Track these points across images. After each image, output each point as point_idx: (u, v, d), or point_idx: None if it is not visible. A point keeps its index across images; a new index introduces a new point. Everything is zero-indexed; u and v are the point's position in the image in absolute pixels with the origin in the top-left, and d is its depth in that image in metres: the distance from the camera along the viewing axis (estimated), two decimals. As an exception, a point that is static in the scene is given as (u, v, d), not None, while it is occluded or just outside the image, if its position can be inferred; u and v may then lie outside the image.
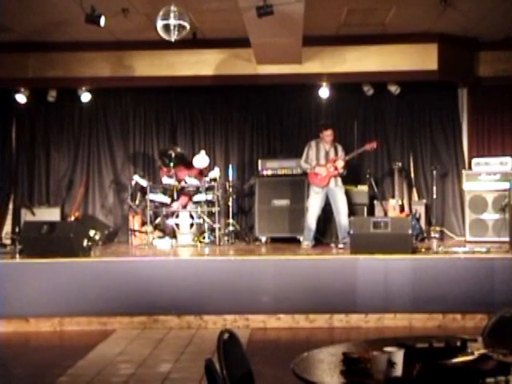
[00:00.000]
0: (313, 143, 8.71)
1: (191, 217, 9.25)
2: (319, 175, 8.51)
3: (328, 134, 8.62)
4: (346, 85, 9.57)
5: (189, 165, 9.51)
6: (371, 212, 9.39)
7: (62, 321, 7.04)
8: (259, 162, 9.68)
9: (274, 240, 9.35)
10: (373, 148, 8.88)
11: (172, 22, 6.50)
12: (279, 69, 9.18)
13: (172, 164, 9.19)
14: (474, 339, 2.84)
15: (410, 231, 7.29)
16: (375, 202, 9.52)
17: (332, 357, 2.75)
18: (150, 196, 9.03)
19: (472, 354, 2.56)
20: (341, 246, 8.32)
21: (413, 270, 7.04)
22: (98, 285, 7.06)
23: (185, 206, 9.30)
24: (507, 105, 9.89)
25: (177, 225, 9.23)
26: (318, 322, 6.95)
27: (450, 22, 8.44)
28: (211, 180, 9.15)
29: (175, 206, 9.23)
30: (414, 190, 10.05)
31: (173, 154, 9.23)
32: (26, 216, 9.62)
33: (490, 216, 9.07)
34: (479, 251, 7.43)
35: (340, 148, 8.74)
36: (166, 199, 9.28)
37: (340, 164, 8.52)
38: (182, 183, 9.25)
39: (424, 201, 9.72)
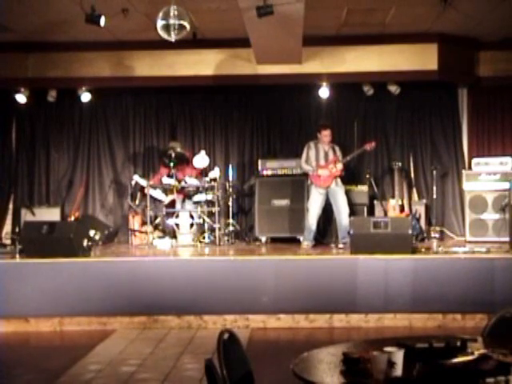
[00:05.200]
0: (312, 144, 8.72)
1: (191, 217, 9.25)
2: (322, 176, 8.51)
3: (326, 134, 8.64)
4: (346, 85, 9.57)
5: (189, 165, 9.52)
6: (371, 212, 9.40)
7: (62, 321, 7.04)
8: (259, 162, 9.68)
9: (274, 240, 9.35)
10: (372, 148, 8.90)
11: (172, 21, 6.50)
12: (279, 69, 9.18)
13: (172, 164, 9.20)
14: (474, 339, 2.84)
15: (409, 231, 7.29)
16: (375, 202, 9.52)
17: (332, 357, 2.75)
18: (150, 191, 9.03)
19: (472, 354, 2.56)
20: (341, 246, 8.33)
21: (413, 269, 7.04)
22: (98, 285, 7.06)
23: (183, 201, 9.31)
24: (507, 105, 9.90)
25: (177, 225, 9.23)
26: (318, 321, 6.95)
27: (450, 22, 8.44)
28: (211, 180, 9.15)
29: (167, 199, 9.23)
30: (414, 190, 10.05)
31: (173, 154, 9.23)
32: (26, 216, 9.62)
33: (490, 216, 9.07)
34: (479, 251, 7.43)
35: (337, 148, 8.78)
36: (164, 197, 9.27)
37: (340, 166, 8.56)
38: (182, 183, 9.25)
39: (424, 201, 9.72)
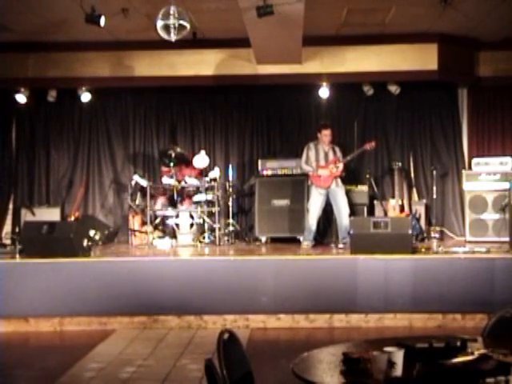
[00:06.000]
0: (311, 145, 8.71)
1: (191, 217, 9.25)
2: (322, 176, 8.51)
3: (326, 134, 8.64)
4: (346, 85, 9.57)
5: (189, 165, 9.53)
6: (371, 212, 9.39)
7: (62, 321, 7.04)
8: (259, 162, 9.68)
9: (274, 240, 9.35)
10: (372, 148, 8.89)
11: (172, 21, 6.50)
12: (279, 69, 9.18)
13: (172, 164, 9.20)
14: (474, 339, 2.84)
15: (409, 231, 7.29)
16: (375, 202, 9.52)
17: (332, 357, 2.75)
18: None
19: (472, 354, 2.56)
20: (341, 246, 8.33)
21: (413, 269, 7.04)
22: (97, 285, 7.06)
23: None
24: (507, 105, 9.90)
25: (177, 225, 9.23)
26: (318, 321, 6.95)
27: (450, 22, 8.44)
28: (211, 180, 9.16)
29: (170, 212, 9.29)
30: (414, 190, 10.05)
31: (173, 154, 9.24)
32: (26, 216, 9.62)
33: (490, 216, 9.07)
34: (479, 251, 7.43)
35: (338, 149, 8.77)
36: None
37: (341, 166, 8.55)
38: (182, 183, 9.25)
39: (424, 201, 9.72)
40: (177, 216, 9.27)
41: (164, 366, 5.51)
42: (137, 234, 9.46)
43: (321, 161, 8.61)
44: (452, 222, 9.94)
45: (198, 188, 9.27)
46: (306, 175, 8.88)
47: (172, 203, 9.38)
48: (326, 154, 8.65)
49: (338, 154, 8.72)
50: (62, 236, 7.36)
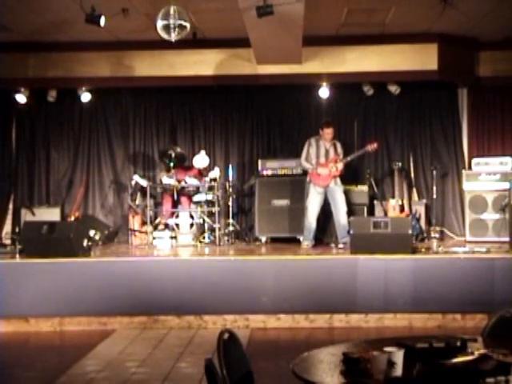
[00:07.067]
0: (313, 140, 8.71)
1: (191, 217, 9.25)
2: (322, 175, 8.51)
3: (329, 132, 8.63)
4: (346, 85, 9.57)
5: (189, 165, 9.52)
6: (371, 212, 9.39)
7: (62, 321, 7.04)
8: (259, 162, 9.68)
9: (274, 240, 9.35)
10: (374, 149, 8.87)
11: (172, 21, 6.50)
12: (279, 69, 9.18)
13: (172, 164, 9.20)
14: (474, 339, 2.84)
15: (410, 231, 7.29)
16: (375, 202, 9.52)
17: (332, 357, 2.75)
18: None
19: (472, 354, 2.56)
20: (341, 245, 8.32)
21: (413, 269, 7.04)
22: (98, 285, 7.06)
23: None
24: (507, 105, 9.89)
25: (177, 225, 9.23)
26: (318, 321, 6.95)
27: (450, 22, 8.44)
28: (211, 180, 9.16)
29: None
30: (414, 190, 10.04)
31: (173, 154, 9.24)
32: (26, 216, 9.62)
33: (490, 216, 9.07)
34: (479, 251, 7.43)
35: (339, 145, 8.75)
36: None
37: (341, 166, 8.54)
38: (182, 183, 9.25)
39: (424, 201, 9.72)
40: (177, 216, 9.27)
41: (164, 365, 5.51)
42: (137, 233, 9.46)
43: (321, 158, 8.60)
44: (452, 221, 9.93)
45: (197, 188, 9.27)
46: (305, 174, 8.88)
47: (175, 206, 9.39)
48: (327, 151, 8.64)
49: (339, 150, 8.69)
50: (62, 236, 7.36)
